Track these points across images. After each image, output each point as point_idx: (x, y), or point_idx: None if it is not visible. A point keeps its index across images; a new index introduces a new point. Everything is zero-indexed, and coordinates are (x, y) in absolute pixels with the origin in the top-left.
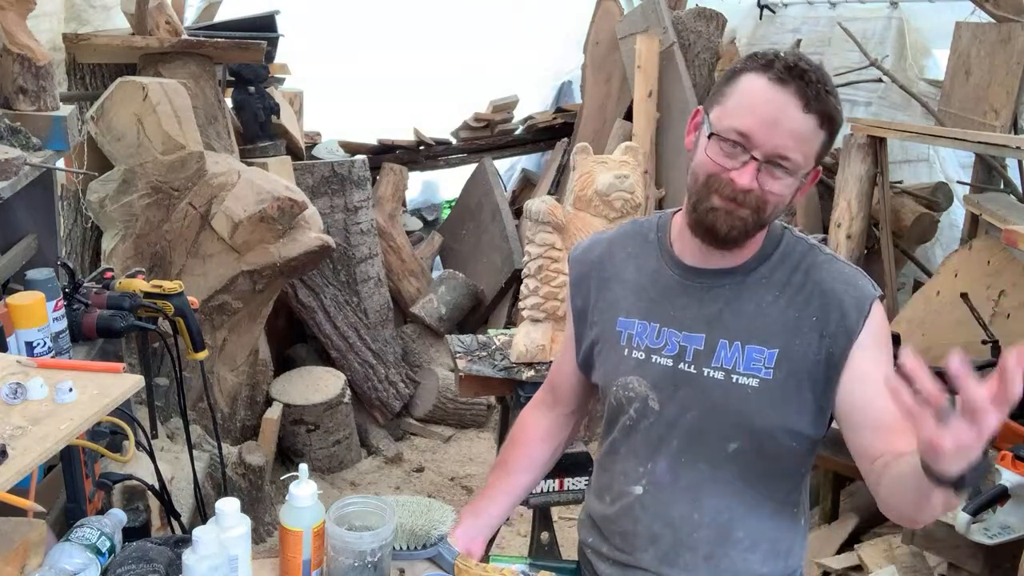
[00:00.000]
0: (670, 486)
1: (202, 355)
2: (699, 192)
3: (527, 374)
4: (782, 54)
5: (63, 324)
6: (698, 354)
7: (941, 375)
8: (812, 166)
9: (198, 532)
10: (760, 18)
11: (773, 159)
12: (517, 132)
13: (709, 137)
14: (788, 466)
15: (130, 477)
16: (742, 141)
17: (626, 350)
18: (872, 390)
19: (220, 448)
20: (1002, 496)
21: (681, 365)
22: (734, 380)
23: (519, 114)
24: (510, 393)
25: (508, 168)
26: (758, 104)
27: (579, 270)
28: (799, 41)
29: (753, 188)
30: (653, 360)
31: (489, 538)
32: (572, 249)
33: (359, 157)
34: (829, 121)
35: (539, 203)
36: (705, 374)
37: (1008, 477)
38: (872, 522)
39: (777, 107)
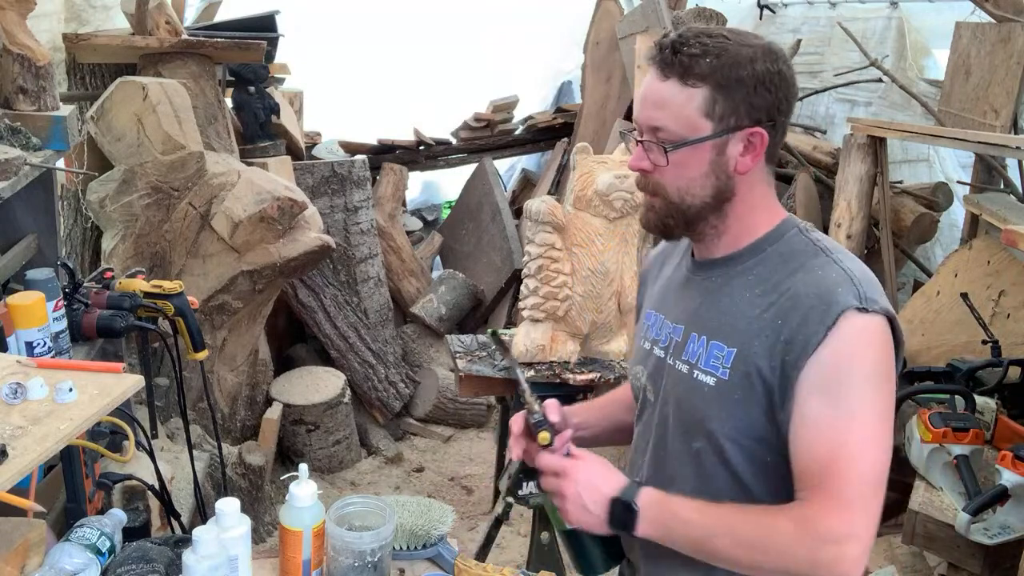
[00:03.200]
0: (649, 481)
1: (202, 355)
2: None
3: (527, 374)
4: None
5: (63, 324)
6: (675, 345)
7: (938, 374)
8: (712, 127)
9: (198, 532)
10: (760, 18)
11: (647, 133)
12: (517, 132)
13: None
14: (759, 473)
15: (130, 477)
16: (636, 129)
17: (643, 340)
18: (807, 435)
19: (220, 448)
20: (1002, 496)
21: (666, 356)
22: (694, 376)
23: (519, 114)
24: (510, 393)
25: (508, 168)
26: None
27: (643, 268)
28: (799, 41)
29: (644, 167)
30: (653, 351)
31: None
32: None
33: (359, 157)
34: (697, 76)
35: (539, 203)
36: (675, 366)
37: (1008, 477)
38: None
39: (643, 86)
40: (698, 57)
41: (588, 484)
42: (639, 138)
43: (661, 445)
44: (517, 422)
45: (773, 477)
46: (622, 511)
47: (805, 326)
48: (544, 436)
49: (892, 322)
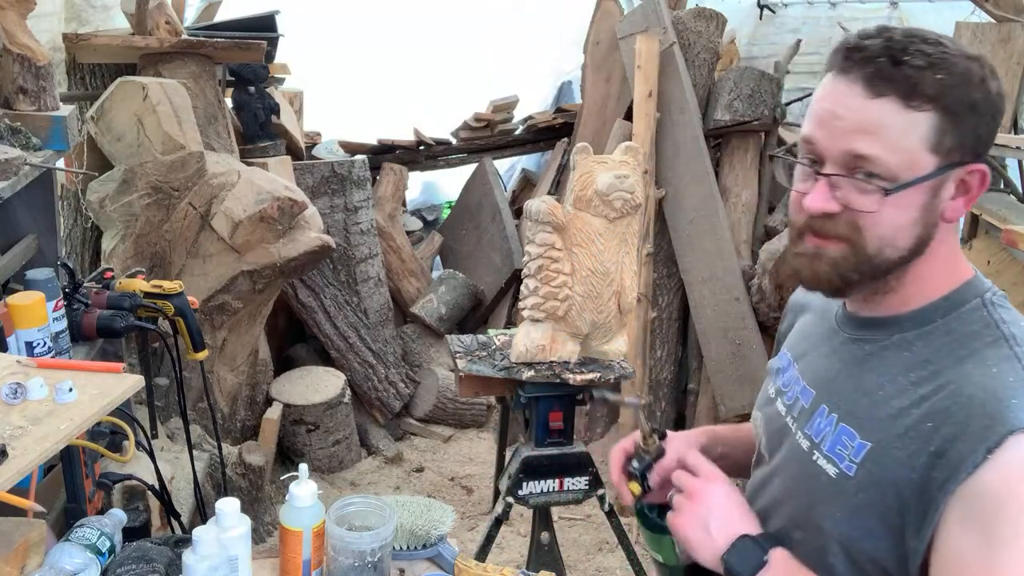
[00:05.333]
0: None
1: (202, 355)
2: (790, 232)
3: (527, 374)
4: (848, 37)
5: (63, 324)
6: (802, 413)
7: None
8: (936, 163)
9: (198, 532)
10: (760, 18)
11: (850, 165)
12: (517, 132)
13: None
14: None
15: (130, 477)
16: (811, 152)
17: (769, 383)
18: None
19: (220, 448)
20: None
21: (788, 419)
22: (813, 458)
23: (519, 114)
24: (510, 393)
25: (508, 168)
26: (817, 103)
27: (793, 296)
28: (799, 41)
29: (830, 209)
30: (776, 403)
31: (702, 445)
32: None
33: (359, 157)
34: (924, 97)
35: (539, 203)
36: (796, 437)
37: None
38: None
39: (834, 100)
40: (924, 70)
41: (722, 509)
42: (823, 170)
43: (764, 515)
44: (617, 456)
45: None
46: (750, 552)
47: (961, 440)
48: (635, 487)
49: None
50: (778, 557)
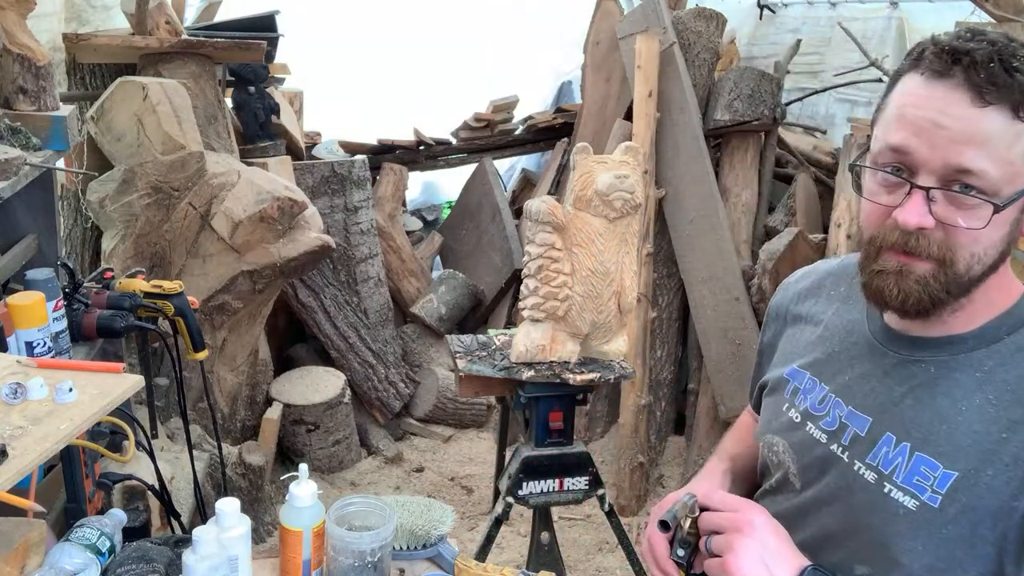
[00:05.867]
0: None
1: (202, 355)
2: (865, 249)
3: (527, 374)
4: (939, 36)
5: (63, 324)
6: (856, 441)
7: None
8: None
9: (198, 532)
10: (760, 18)
11: (950, 179)
12: (517, 132)
13: (862, 170)
14: None
15: (130, 477)
16: (900, 161)
17: (785, 405)
18: None
19: (220, 448)
20: None
21: (834, 446)
22: (885, 490)
23: (519, 114)
24: (510, 393)
25: (508, 168)
26: (911, 109)
27: (779, 299)
28: (799, 41)
29: (927, 224)
30: (807, 429)
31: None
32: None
33: (359, 157)
34: None
35: (539, 203)
36: (855, 468)
37: None
38: None
39: (935, 107)
40: None
41: (775, 541)
42: (918, 182)
43: (809, 547)
44: (660, 549)
45: None
46: None
47: None
48: (683, 575)
49: None
50: None
